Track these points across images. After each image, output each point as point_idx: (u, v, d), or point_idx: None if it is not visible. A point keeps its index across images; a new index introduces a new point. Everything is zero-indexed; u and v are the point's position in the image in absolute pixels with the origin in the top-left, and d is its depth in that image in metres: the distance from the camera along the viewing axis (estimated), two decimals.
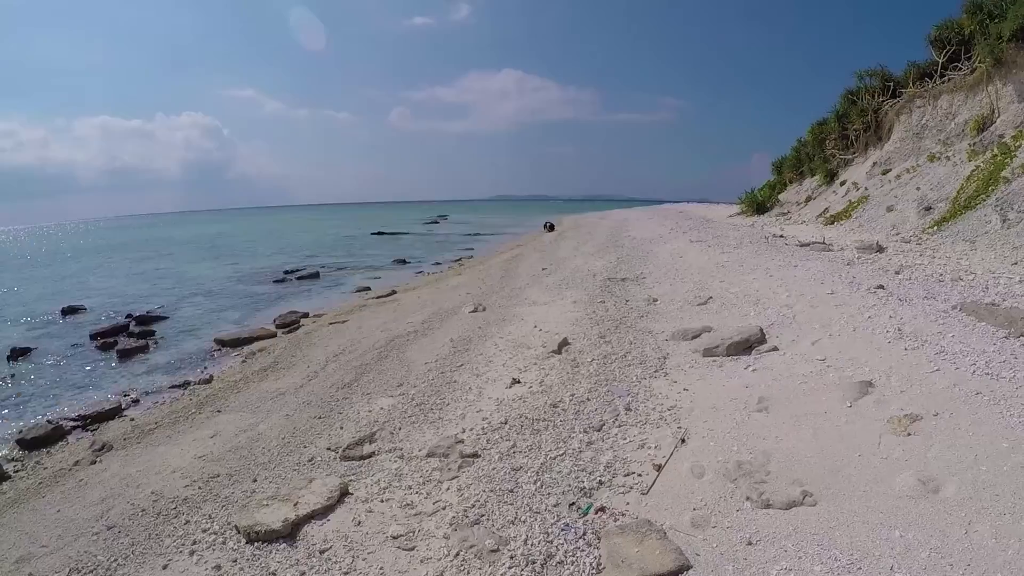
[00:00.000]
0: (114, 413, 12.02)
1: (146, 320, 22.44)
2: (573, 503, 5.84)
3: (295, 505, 6.26)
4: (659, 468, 6.31)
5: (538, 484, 6.28)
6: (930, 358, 7.85)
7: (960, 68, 25.30)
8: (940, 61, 26.59)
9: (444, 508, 6.07)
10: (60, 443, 10.78)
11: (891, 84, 30.31)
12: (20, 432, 11.17)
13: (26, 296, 31.97)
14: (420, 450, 7.42)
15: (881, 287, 11.67)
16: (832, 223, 25.82)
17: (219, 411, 10.88)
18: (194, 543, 6.07)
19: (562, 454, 6.89)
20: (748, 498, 5.51)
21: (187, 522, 6.59)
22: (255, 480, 7.43)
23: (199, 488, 7.46)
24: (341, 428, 8.84)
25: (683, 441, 6.85)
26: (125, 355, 17.36)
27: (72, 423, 11.65)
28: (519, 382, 9.69)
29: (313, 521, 6.12)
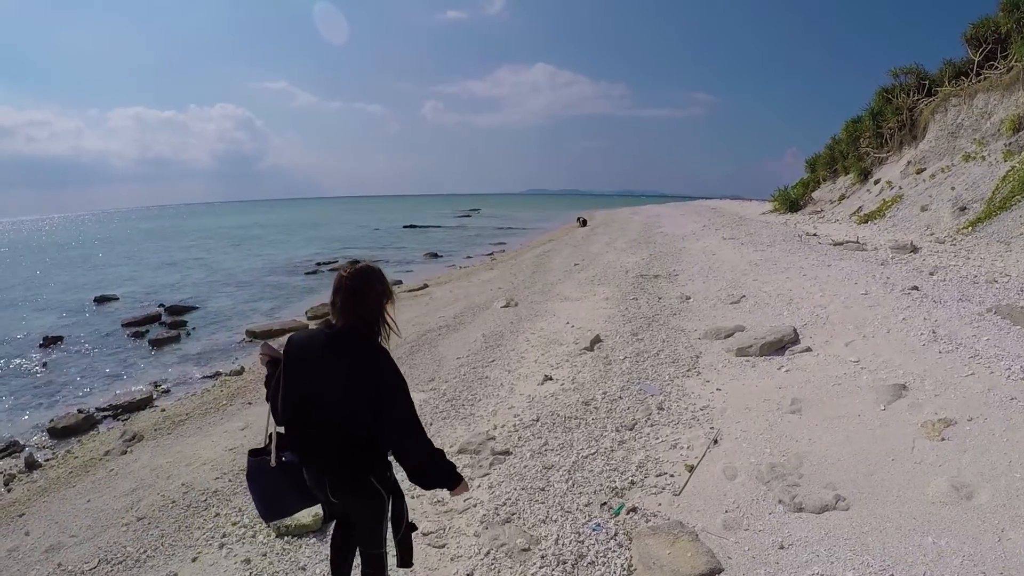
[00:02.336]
0: (145, 403, 12.15)
1: (178, 310, 22.66)
2: (605, 503, 5.83)
3: None
4: (691, 469, 6.28)
5: (570, 483, 6.27)
6: (964, 362, 7.79)
7: (996, 67, 24.93)
8: (976, 59, 26.22)
9: (475, 505, 6.08)
10: (91, 432, 10.91)
11: (926, 82, 29.92)
12: (51, 421, 11.31)
13: (59, 284, 32.37)
14: (451, 446, 7.42)
15: (916, 288, 11.56)
16: (866, 222, 25.56)
17: (250, 403, 10.98)
18: (224, 536, 6.08)
19: (594, 453, 6.88)
20: (780, 501, 5.48)
21: (217, 515, 6.61)
22: None
23: (229, 481, 7.48)
24: None
25: (716, 442, 6.81)
26: (157, 345, 17.64)
27: (103, 413, 11.82)
28: (551, 379, 9.70)
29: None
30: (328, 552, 4.63)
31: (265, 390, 3.93)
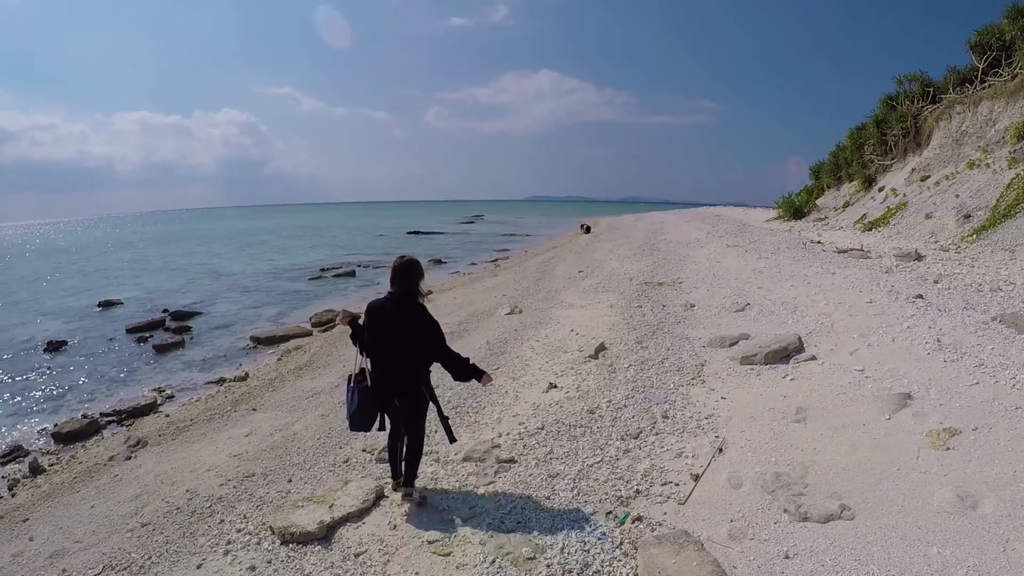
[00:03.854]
0: (149, 409, 12.23)
1: (182, 315, 22.79)
2: (610, 512, 5.83)
3: (330, 507, 6.26)
4: (696, 478, 6.28)
5: (575, 492, 6.28)
6: (969, 371, 7.80)
7: (1001, 74, 24.90)
8: (981, 67, 26.26)
9: (480, 514, 6.06)
10: (95, 437, 11.01)
11: (931, 89, 29.92)
12: (56, 426, 11.38)
13: (64, 288, 32.49)
14: (456, 454, 7.43)
15: (920, 296, 11.54)
16: (870, 229, 25.49)
17: (254, 409, 10.99)
18: (229, 543, 6.08)
19: (599, 461, 6.88)
20: (786, 510, 5.48)
21: (222, 521, 6.62)
22: (290, 480, 7.46)
23: (234, 487, 7.50)
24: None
25: (721, 451, 6.81)
26: (161, 350, 17.66)
27: (107, 418, 11.90)
28: (556, 386, 9.69)
29: (348, 524, 6.12)
30: (332, 560, 5.10)
31: (352, 341, 6.42)
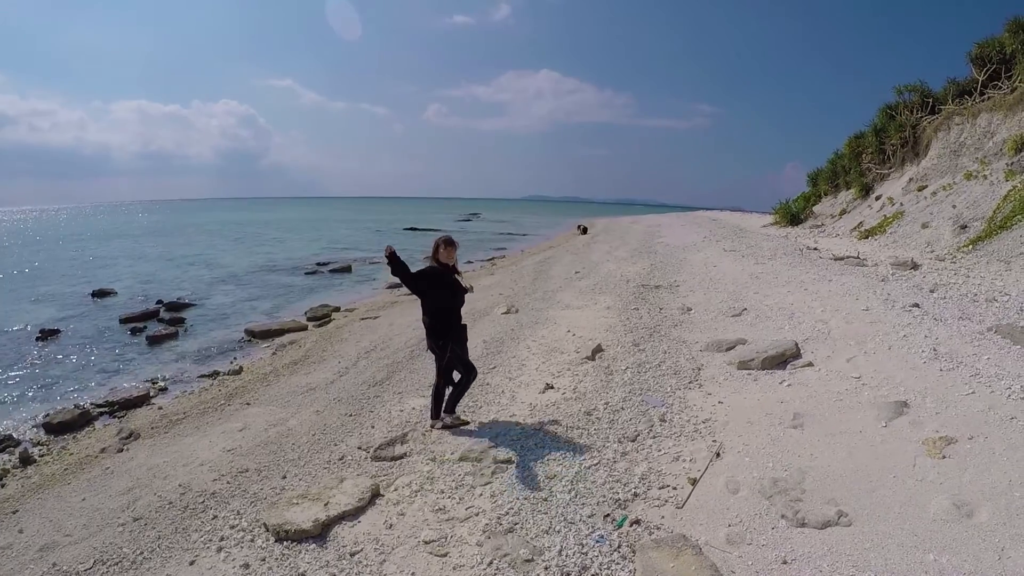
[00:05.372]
0: (142, 400, 12.14)
1: (176, 307, 22.69)
2: (608, 514, 5.80)
3: (326, 505, 6.24)
4: (694, 482, 6.25)
5: (572, 493, 6.24)
6: (965, 380, 7.81)
7: (1000, 87, 25.04)
8: (980, 79, 26.40)
9: (477, 514, 6.02)
10: (87, 428, 10.89)
11: (930, 100, 30.11)
12: (47, 416, 11.27)
13: (58, 277, 32.40)
14: (452, 453, 7.39)
15: (916, 305, 11.52)
16: (866, 237, 25.56)
17: (248, 404, 10.91)
18: (222, 539, 6.05)
19: (596, 464, 6.85)
20: (783, 516, 5.46)
21: (215, 517, 6.56)
22: (284, 477, 7.41)
23: (228, 483, 7.44)
24: (372, 427, 8.81)
25: (718, 455, 6.79)
26: (154, 341, 17.59)
27: (99, 409, 11.79)
28: (552, 387, 9.66)
29: (344, 522, 6.09)
30: (327, 559, 5.19)
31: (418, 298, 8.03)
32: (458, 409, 8.51)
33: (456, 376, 8.28)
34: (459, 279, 8.09)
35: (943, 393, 7.51)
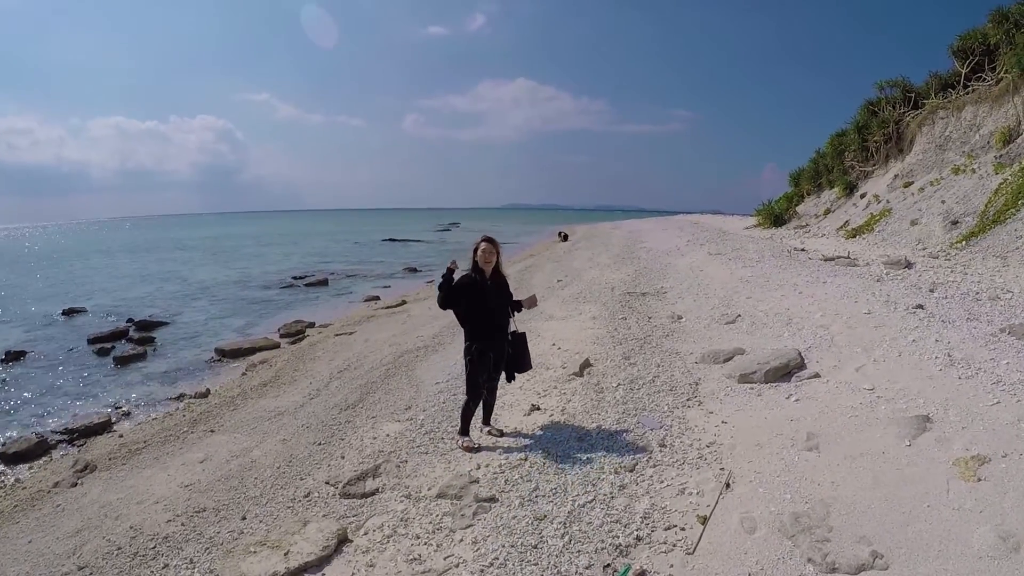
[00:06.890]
0: (103, 428, 11.75)
1: (147, 325, 22.37)
2: (608, 564, 5.07)
3: (286, 554, 5.61)
4: (704, 520, 5.56)
5: (566, 539, 5.48)
6: (988, 388, 7.27)
7: (984, 78, 25.11)
8: (963, 71, 26.45)
9: (457, 565, 5.30)
10: (43, 459, 10.56)
11: (912, 95, 30.29)
12: (3, 444, 10.97)
13: (30, 294, 32.39)
14: (429, 489, 6.71)
15: (920, 307, 11.10)
16: (853, 236, 25.46)
17: (212, 431, 10.46)
18: None
19: (592, 500, 6.12)
20: (810, 559, 4.80)
21: (165, 567, 6.00)
22: (244, 518, 6.80)
23: (182, 524, 6.89)
24: (342, 458, 8.17)
25: (728, 486, 6.11)
26: (121, 362, 17.19)
27: (58, 436, 11.44)
28: (539, 408, 9.09)
29: (306, 575, 5.45)
30: None
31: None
32: (440, 431, 8.37)
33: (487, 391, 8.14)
34: (496, 284, 8.02)
35: (966, 404, 6.93)
